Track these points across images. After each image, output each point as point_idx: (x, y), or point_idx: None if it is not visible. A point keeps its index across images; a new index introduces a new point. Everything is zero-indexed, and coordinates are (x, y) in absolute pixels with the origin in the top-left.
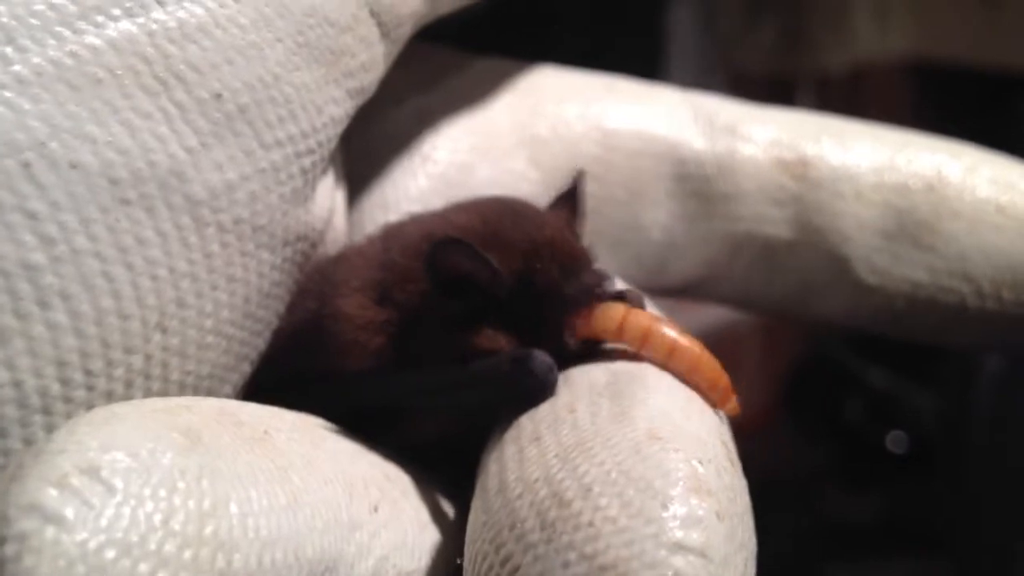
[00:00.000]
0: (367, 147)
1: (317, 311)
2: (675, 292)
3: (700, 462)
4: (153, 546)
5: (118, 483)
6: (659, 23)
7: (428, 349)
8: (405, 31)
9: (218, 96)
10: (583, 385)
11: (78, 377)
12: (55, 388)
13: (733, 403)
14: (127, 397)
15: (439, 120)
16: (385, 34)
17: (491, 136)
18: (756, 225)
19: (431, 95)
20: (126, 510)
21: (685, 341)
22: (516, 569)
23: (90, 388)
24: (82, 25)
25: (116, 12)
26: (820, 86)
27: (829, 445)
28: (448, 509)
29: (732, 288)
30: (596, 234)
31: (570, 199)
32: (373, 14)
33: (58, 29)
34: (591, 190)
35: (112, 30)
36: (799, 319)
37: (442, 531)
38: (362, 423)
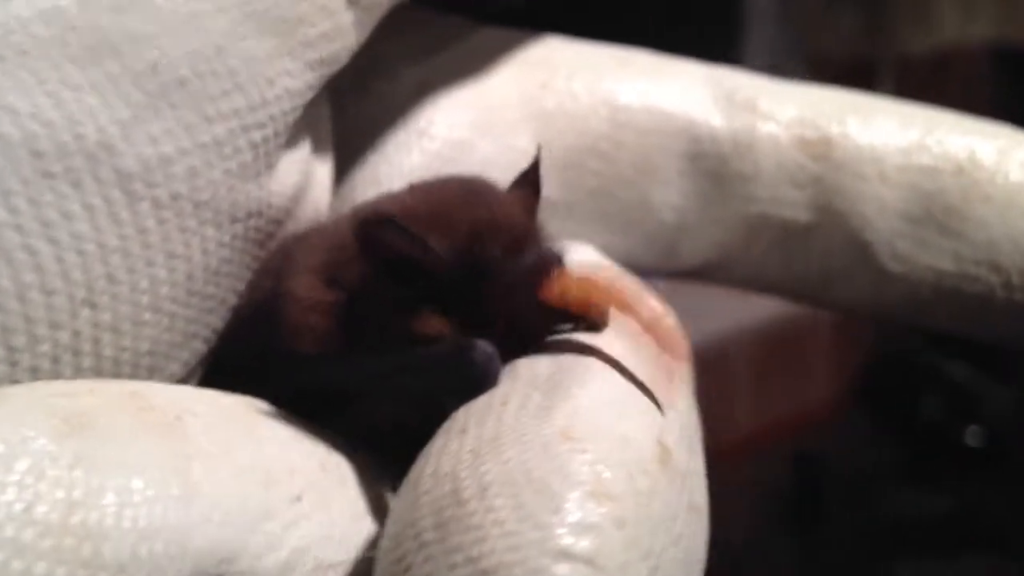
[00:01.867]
0: (362, 119)
1: (272, 290)
2: (689, 275)
3: (608, 465)
4: (10, 533)
5: None
6: (737, 6)
7: (373, 333)
8: None
9: (154, 67)
10: (524, 377)
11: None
12: None
13: (685, 351)
14: (54, 372)
15: (438, 93)
16: (353, 1)
17: (493, 111)
18: (773, 207)
19: (431, 66)
20: None
21: (631, 290)
22: (408, 569)
23: (13, 363)
24: None
25: None
26: (901, 71)
27: (904, 440)
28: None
29: (749, 272)
30: (604, 215)
31: (532, 177)
32: None
33: None
34: (599, 168)
35: (43, 0)
36: (820, 305)
37: (381, 523)
38: (315, 407)
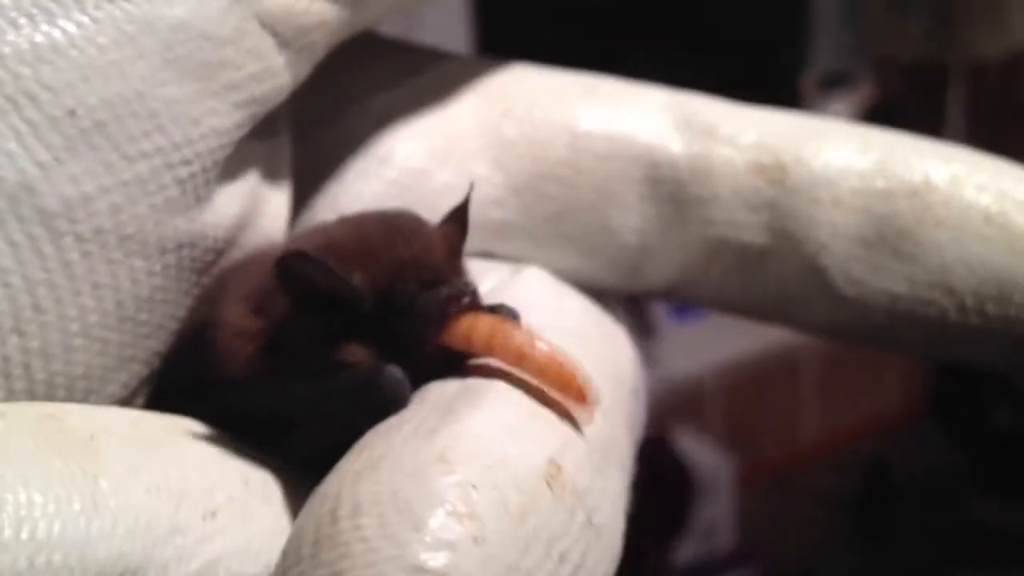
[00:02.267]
0: (326, 148)
1: (207, 316)
2: (654, 296)
3: (477, 487)
4: None
5: None
6: (803, 9)
7: (294, 361)
8: (316, 38)
9: (72, 113)
10: (430, 400)
11: None
12: None
13: (592, 398)
14: None
15: (399, 122)
16: (284, 43)
17: (453, 139)
18: (730, 230)
19: (393, 96)
20: None
21: (535, 343)
22: None
23: None
24: None
25: None
26: (973, 74)
27: (974, 449)
28: None
29: (711, 293)
30: (565, 238)
31: (460, 213)
32: (264, 25)
33: None
34: (558, 193)
35: None
36: (781, 325)
37: None
38: (245, 429)
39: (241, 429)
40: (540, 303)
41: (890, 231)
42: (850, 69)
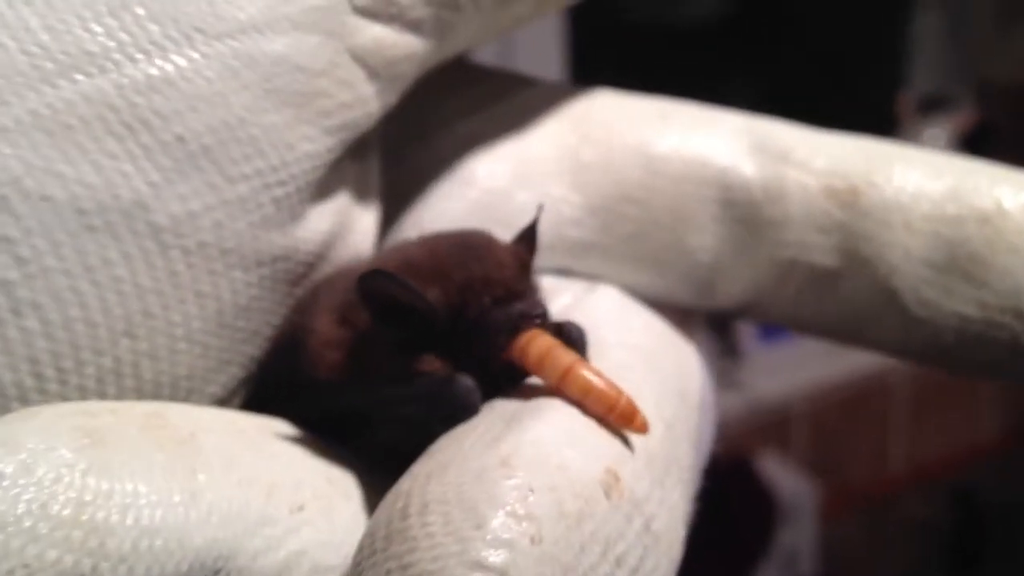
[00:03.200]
0: (416, 169)
1: (299, 325)
2: (729, 313)
3: (535, 489)
4: (28, 524)
5: (7, 470)
6: (905, 29)
7: (375, 368)
8: (404, 69)
9: (181, 139)
10: (496, 411)
11: (50, 373)
12: (29, 382)
13: (639, 421)
14: (99, 392)
15: (483, 145)
16: (374, 74)
17: (533, 162)
18: (802, 252)
19: (478, 120)
20: (10, 494)
21: (579, 367)
22: (360, 573)
23: (63, 383)
24: (60, 82)
25: (92, 70)
26: None
27: None
28: None
29: (784, 312)
30: (641, 256)
31: (529, 233)
32: (356, 58)
33: (38, 85)
34: (634, 213)
35: (86, 85)
36: (854, 345)
37: None
38: (330, 429)
39: (326, 427)
40: (610, 319)
41: (961, 255)
42: (949, 92)
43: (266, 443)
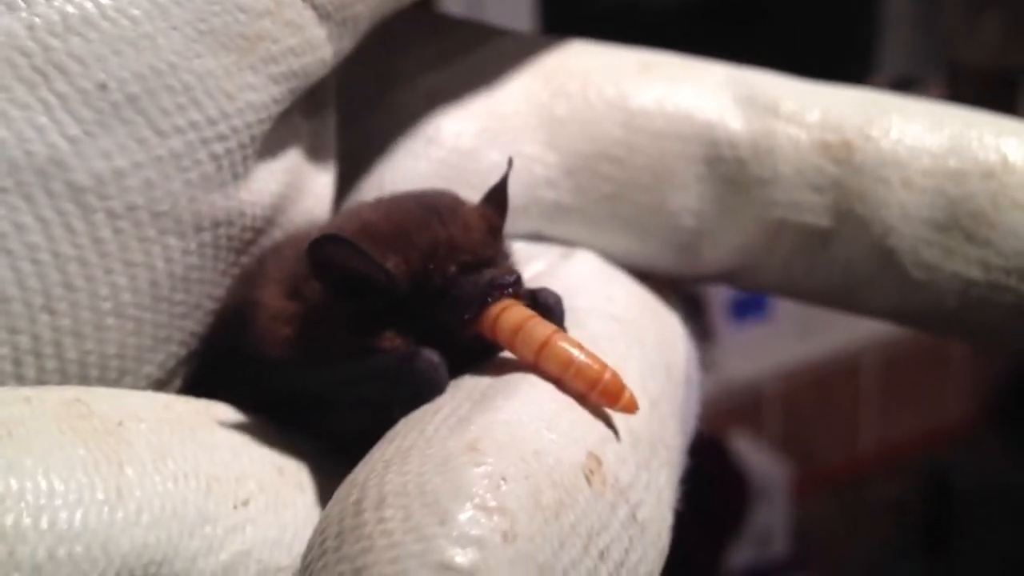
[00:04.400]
0: (376, 127)
1: (244, 297)
2: (714, 280)
3: (507, 478)
4: None
5: None
6: (874, 13)
7: (329, 346)
8: (358, 10)
9: (103, 86)
10: (464, 388)
11: None
12: None
13: (626, 399)
14: (16, 374)
15: (450, 100)
16: (325, 16)
17: (503, 118)
18: (793, 212)
19: (445, 74)
20: None
21: (558, 339)
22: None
23: None
24: None
25: None
26: None
27: None
28: None
29: (773, 277)
30: (620, 220)
31: (498, 193)
32: None
33: None
34: (612, 173)
35: None
36: (850, 311)
37: None
38: (280, 411)
39: (276, 410)
40: (588, 287)
41: (963, 213)
42: (919, 74)
43: (206, 431)
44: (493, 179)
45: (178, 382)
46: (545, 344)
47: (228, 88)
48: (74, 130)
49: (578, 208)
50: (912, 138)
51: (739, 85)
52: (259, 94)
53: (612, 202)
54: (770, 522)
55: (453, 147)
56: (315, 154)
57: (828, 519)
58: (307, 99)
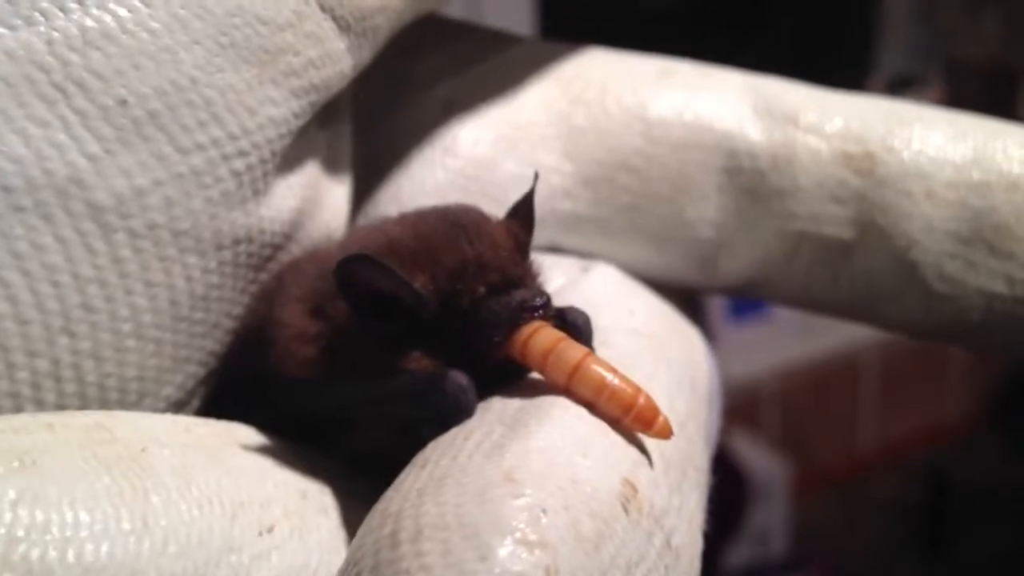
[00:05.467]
0: (391, 136)
1: (264, 316)
2: (732, 291)
3: (546, 511)
4: None
5: None
6: (873, 12)
7: (354, 366)
8: (378, 22)
9: (123, 102)
10: (494, 411)
11: None
12: None
13: (660, 424)
14: (35, 398)
15: (466, 109)
16: (344, 28)
17: (520, 128)
18: (813, 224)
19: (461, 81)
20: None
21: (590, 362)
22: None
23: None
24: None
25: (16, 22)
26: None
27: None
28: None
29: (794, 290)
30: (637, 231)
31: (524, 207)
32: (324, 8)
33: None
34: (630, 183)
35: (9, 40)
36: (872, 325)
37: None
38: (304, 432)
39: (298, 431)
40: (610, 302)
41: (987, 227)
42: (918, 72)
43: (229, 454)
44: (511, 190)
45: (197, 403)
46: (577, 368)
47: (249, 103)
48: (94, 148)
49: (596, 219)
50: (935, 149)
51: (758, 94)
52: (280, 108)
53: (630, 213)
54: (768, 522)
55: (470, 157)
56: (331, 166)
57: (826, 519)
58: (324, 110)
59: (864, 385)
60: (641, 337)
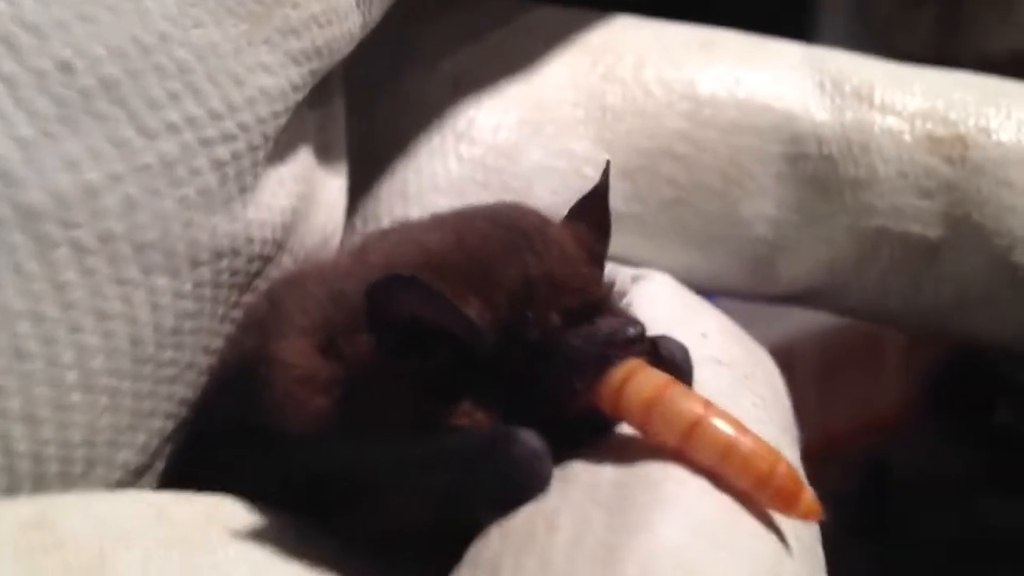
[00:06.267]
0: (390, 118)
1: (256, 351)
2: (789, 300)
3: None
4: None
5: None
6: (810, 2)
7: (381, 420)
8: None
9: (67, 67)
10: (581, 484)
11: None
12: None
13: (806, 504)
14: None
15: (480, 86)
16: None
17: (545, 109)
18: (895, 221)
19: (471, 54)
20: None
21: (712, 417)
22: None
23: None
24: None
25: None
26: (982, 70)
27: (976, 448)
28: None
29: (863, 299)
30: (682, 230)
31: (593, 205)
32: None
33: None
34: (675, 174)
35: None
36: (954, 337)
37: None
38: (318, 506)
39: (303, 502)
40: (678, 323)
41: None
42: None
43: (219, 548)
44: (536, 184)
45: (160, 464)
46: (696, 425)
47: (236, 70)
48: (26, 130)
49: (635, 216)
50: None
51: (822, 68)
52: (275, 78)
53: (675, 209)
54: None
55: (491, 144)
56: (325, 154)
57: None
58: (317, 86)
59: (801, 377)
60: (723, 367)
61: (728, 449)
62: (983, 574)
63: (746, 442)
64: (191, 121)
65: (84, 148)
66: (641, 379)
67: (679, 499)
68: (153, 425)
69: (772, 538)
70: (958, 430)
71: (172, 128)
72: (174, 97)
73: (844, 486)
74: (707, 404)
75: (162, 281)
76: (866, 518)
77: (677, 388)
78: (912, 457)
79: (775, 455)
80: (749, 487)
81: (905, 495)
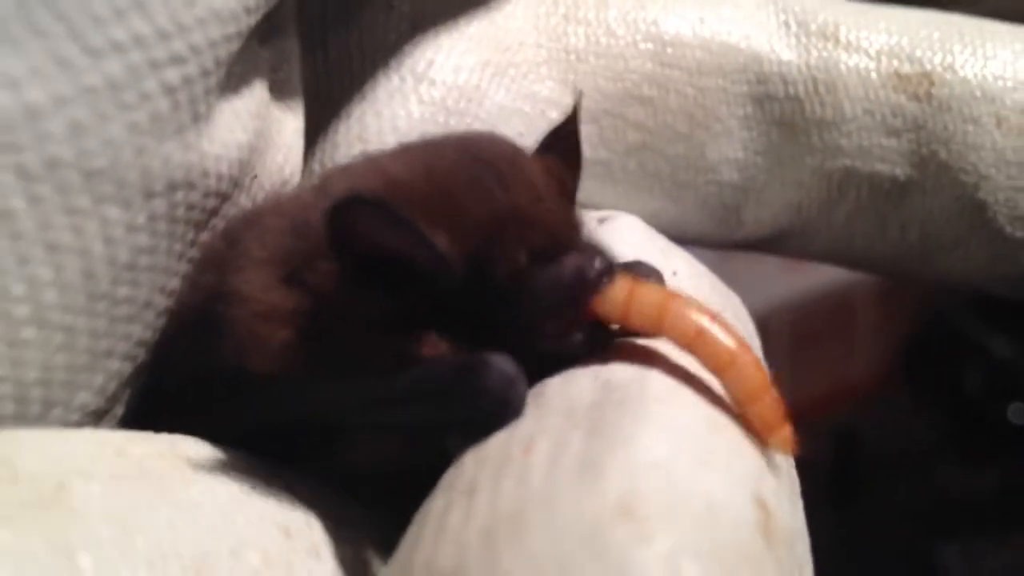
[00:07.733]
0: (345, 58)
1: (214, 288)
2: (754, 246)
3: (691, 557)
4: None
5: None
6: None
7: (347, 353)
8: None
9: None
10: (557, 405)
11: None
12: None
13: (784, 435)
14: None
15: (439, 26)
16: None
17: (508, 50)
18: (863, 161)
19: None
20: None
21: (718, 327)
22: None
23: None
24: None
25: None
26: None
27: (945, 417)
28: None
29: (830, 242)
30: (648, 175)
31: (564, 137)
32: None
33: None
34: (641, 118)
35: None
36: (922, 278)
37: None
38: (287, 445)
39: (270, 442)
40: (642, 260)
41: None
42: None
43: (180, 483)
44: (501, 127)
45: (120, 410)
46: (700, 331)
47: None
48: None
49: (601, 161)
50: (1002, 66)
51: (785, 6)
52: None
53: (639, 153)
54: None
55: (452, 86)
56: (280, 93)
57: None
58: (264, 19)
59: (773, 346)
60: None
61: (729, 360)
62: (947, 540)
63: (748, 354)
64: (138, 40)
65: (25, 68)
66: (647, 293)
67: (660, 415)
68: (111, 366)
69: (754, 454)
70: (927, 400)
71: (118, 47)
72: (119, 13)
73: (815, 454)
74: (710, 311)
75: (114, 212)
76: (836, 486)
77: (681, 298)
78: (881, 426)
79: (769, 378)
80: (742, 397)
81: (874, 463)
